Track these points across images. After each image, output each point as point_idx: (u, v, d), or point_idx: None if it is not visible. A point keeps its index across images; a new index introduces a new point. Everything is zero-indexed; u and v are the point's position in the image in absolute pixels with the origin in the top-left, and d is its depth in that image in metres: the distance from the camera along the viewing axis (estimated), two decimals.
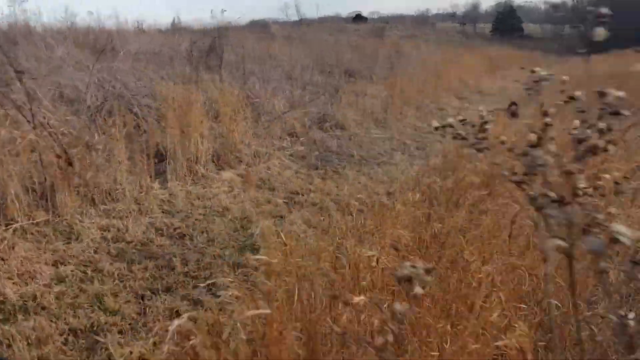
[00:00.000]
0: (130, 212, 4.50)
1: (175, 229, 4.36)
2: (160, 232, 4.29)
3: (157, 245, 4.03)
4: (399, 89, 11.49)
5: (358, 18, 65.53)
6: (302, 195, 5.52)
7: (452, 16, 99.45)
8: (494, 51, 27.44)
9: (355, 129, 9.02)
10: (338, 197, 5.56)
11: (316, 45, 20.51)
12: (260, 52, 15.20)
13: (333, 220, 4.77)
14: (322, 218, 4.83)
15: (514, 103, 1.81)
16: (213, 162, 5.85)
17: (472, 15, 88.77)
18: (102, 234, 4.12)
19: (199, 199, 5.08)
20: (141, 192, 4.85)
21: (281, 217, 4.86)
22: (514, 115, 1.70)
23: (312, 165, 6.82)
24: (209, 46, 12.73)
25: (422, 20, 67.77)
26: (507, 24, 70.63)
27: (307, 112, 8.79)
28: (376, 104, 10.60)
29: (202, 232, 4.33)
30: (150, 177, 5.09)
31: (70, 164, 4.27)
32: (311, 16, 59.42)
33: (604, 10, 1.30)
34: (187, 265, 3.73)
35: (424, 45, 24.68)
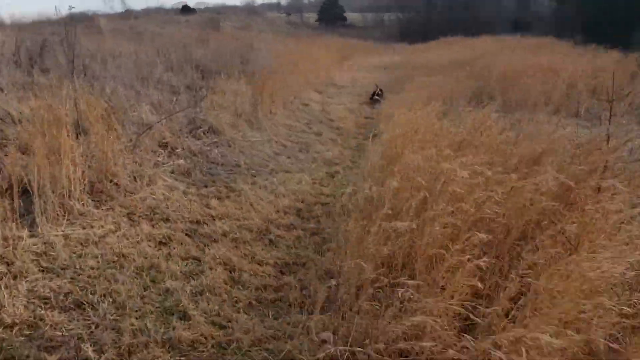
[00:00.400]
0: None
1: (66, 296, 3.32)
2: (48, 303, 3.22)
3: (51, 326, 2.99)
4: (261, 85, 10.85)
5: (185, 9, 63.16)
6: (207, 224, 4.70)
7: (277, 6, 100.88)
8: (329, 41, 27.88)
9: (230, 132, 8.22)
10: (248, 222, 4.84)
11: (158, 39, 19.01)
12: (96, 49, 13.45)
13: (257, 257, 4.09)
14: (243, 253, 4.10)
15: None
16: (88, 193, 4.74)
17: (296, 5, 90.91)
18: None
19: (82, 245, 4.01)
20: (7, 247, 3.67)
21: (195, 259, 4.02)
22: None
23: (200, 183, 5.96)
24: (41, 45, 10.92)
25: (252, 11, 67.55)
26: (331, 14, 73.47)
27: (173, 117, 7.80)
28: (243, 103, 9.85)
29: (104, 296, 3.34)
30: (17, 223, 3.90)
31: None
32: (135, 7, 55.96)
33: None
34: (103, 352, 2.78)
35: (266, 37, 24.23)
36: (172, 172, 6.02)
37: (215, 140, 7.70)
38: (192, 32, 31.27)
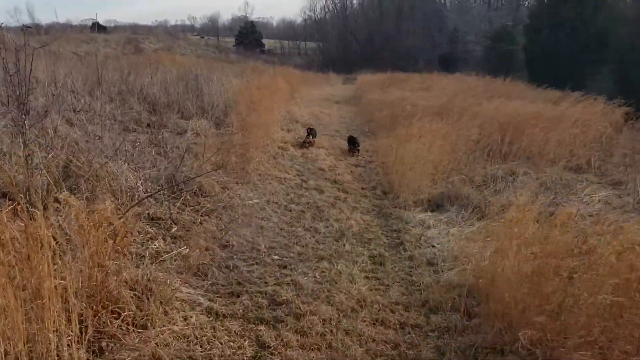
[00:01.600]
0: None
1: None
2: None
3: None
4: (237, 129, 9.05)
5: (97, 27, 59.19)
6: None
7: (191, 28, 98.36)
8: (262, 68, 26.26)
9: (221, 193, 6.38)
10: None
11: (81, 62, 16.55)
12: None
13: None
14: None
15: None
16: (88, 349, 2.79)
17: (210, 28, 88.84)
18: None
19: None
20: None
21: None
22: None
23: (224, 290, 4.14)
24: None
25: (168, 32, 64.58)
26: (249, 39, 72.12)
27: (151, 173, 5.85)
28: (218, 150, 7.98)
29: None
30: None
31: None
32: (45, 22, 51.54)
33: None
34: None
35: (199, 62, 22.21)
36: (182, 273, 4.10)
37: (209, 205, 5.82)
38: (114, 53, 28.55)
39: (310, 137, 10.64)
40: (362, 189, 7.83)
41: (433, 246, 5.54)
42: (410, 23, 49.99)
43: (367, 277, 4.70)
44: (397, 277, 4.78)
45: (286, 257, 4.96)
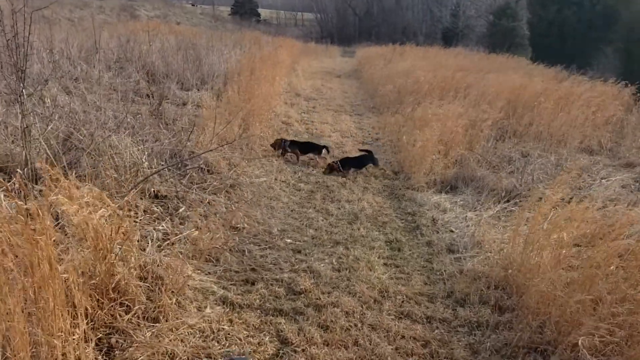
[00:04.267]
0: None
1: None
2: None
3: None
4: (238, 101, 8.66)
5: None
6: None
7: None
8: (260, 38, 25.63)
9: (227, 170, 6.07)
10: None
11: (82, 30, 16.02)
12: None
13: None
14: None
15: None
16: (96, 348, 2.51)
17: None
18: None
19: None
20: None
21: None
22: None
23: (238, 277, 3.86)
24: None
25: None
26: (245, 8, 70.82)
27: (154, 148, 5.51)
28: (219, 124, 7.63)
29: None
30: None
31: None
32: None
33: None
34: None
35: (196, 31, 21.60)
36: (192, 258, 3.81)
37: (216, 183, 5.51)
38: (109, 19, 27.73)
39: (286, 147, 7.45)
40: (372, 168, 7.52)
41: (451, 231, 5.27)
42: None
43: (386, 265, 4.43)
44: (417, 264, 4.52)
45: (299, 241, 4.68)
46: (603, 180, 7.26)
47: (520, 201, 5.78)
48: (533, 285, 3.56)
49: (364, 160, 7.22)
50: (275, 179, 6.39)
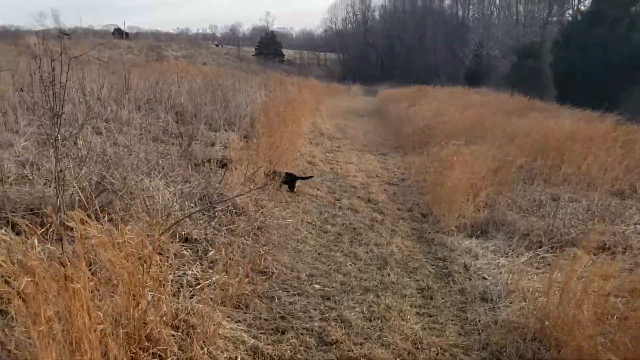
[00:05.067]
0: None
1: None
2: None
3: None
4: (264, 141, 8.72)
5: (119, 33, 59.61)
6: None
7: (212, 37, 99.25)
8: (286, 79, 26.03)
9: (254, 211, 6.07)
10: None
11: (104, 68, 16.42)
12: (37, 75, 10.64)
13: None
14: None
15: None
16: None
17: (230, 37, 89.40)
18: None
19: None
20: None
21: None
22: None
23: (267, 324, 3.80)
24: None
25: (191, 40, 64.93)
26: (269, 49, 72.31)
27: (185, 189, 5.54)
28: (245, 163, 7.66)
29: None
30: None
31: None
32: (69, 26, 52.10)
33: None
34: None
35: (225, 72, 22.07)
36: (222, 304, 3.76)
37: (244, 225, 5.49)
38: (137, 60, 28.57)
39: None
40: (399, 209, 7.46)
41: (484, 278, 5.14)
42: (432, 37, 49.67)
43: (418, 314, 4.32)
44: (450, 313, 4.40)
45: (328, 287, 4.60)
46: (637, 226, 7.07)
47: (553, 247, 5.65)
48: (572, 339, 3.42)
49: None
50: (302, 221, 6.35)
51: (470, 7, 55.29)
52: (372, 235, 6.21)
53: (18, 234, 3.66)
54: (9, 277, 2.22)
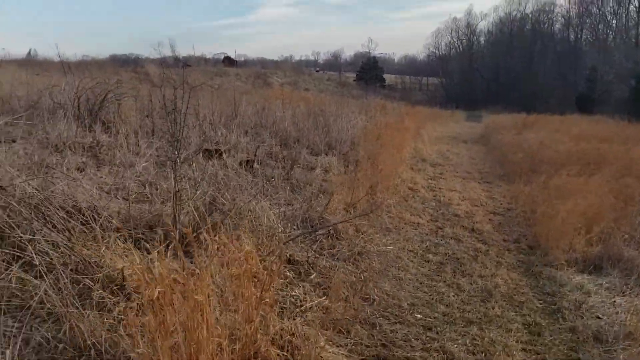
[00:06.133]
0: None
1: None
2: None
3: None
4: (364, 166, 8.79)
5: (228, 61, 62.96)
6: None
7: (314, 63, 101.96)
8: (387, 104, 26.09)
9: (353, 236, 6.10)
10: None
11: (215, 95, 17.35)
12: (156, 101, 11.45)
13: None
14: None
15: None
16: None
17: (332, 63, 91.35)
18: None
19: None
20: None
21: None
22: None
23: (368, 352, 3.76)
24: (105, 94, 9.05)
25: (295, 67, 67.19)
26: (370, 74, 72.95)
27: (288, 213, 5.71)
28: (345, 188, 7.74)
29: None
30: None
31: None
32: (183, 55, 55.97)
33: None
34: None
35: (325, 98, 22.57)
36: (325, 327, 3.80)
37: (344, 250, 5.54)
38: (244, 86, 30.02)
39: None
40: (504, 240, 7.18)
41: (598, 317, 4.80)
42: (541, 61, 47.75)
43: (524, 350, 4.12)
44: (559, 352, 4.15)
45: (430, 317, 4.51)
46: None
47: None
48: None
49: None
50: (403, 248, 6.30)
51: (584, 30, 52.71)
52: (476, 266, 6.03)
53: (139, 248, 3.96)
54: (139, 288, 2.40)
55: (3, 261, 3.15)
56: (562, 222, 6.63)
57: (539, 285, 5.61)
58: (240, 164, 7.47)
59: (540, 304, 5.14)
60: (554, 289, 5.49)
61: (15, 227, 3.41)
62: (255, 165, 7.89)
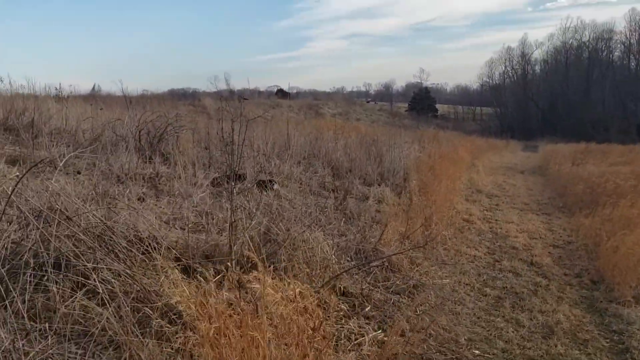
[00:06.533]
0: None
1: None
2: None
3: None
4: (418, 197, 8.69)
5: (281, 93, 64.26)
6: None
7: (365, 94, 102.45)
8: (440, 135, 25.86)
9: (408, 269, 6.00)
10: None
11: (268, 127, 17.67)
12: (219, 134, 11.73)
13: None
14: None
15: None
16: None
17: (384, 94, 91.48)
18: None
19: None
20: None
21: None
22: None
23: None
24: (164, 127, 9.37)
25: (346, 98, 67.87)
26: (422, 104, 72.62)
27: (336, 244, 5.68)
28: (399, 219, 7.65)
29: None
30: None
31: None
32: (237, 87, 57.64)
33: None
34: None
35: (378, 129, 22.61)
36: None
37: (399, 283, 5.46)
38: (297, 118, 30.49)
39: None
40: (565, 275, 6.89)
41: None
42: (599, 90, 46.34)
43: None
44: None
45: (488, 354, 4.36)
46: None
47: None
48: None
49: None
50: (459, 282, 6.14)
51: None
52: (536, 300, 5.80)
53: (195, 278, 4.02)
54: (194, 322, 2.43)
55: (68, 288, 3.27)
56: (629, 255, 6.31)
57: (605, 323, 5.33)
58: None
59: (607, 342, 4.88)
60: (622, 327, 5.20)
61: (80, 255, 3.54)
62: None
